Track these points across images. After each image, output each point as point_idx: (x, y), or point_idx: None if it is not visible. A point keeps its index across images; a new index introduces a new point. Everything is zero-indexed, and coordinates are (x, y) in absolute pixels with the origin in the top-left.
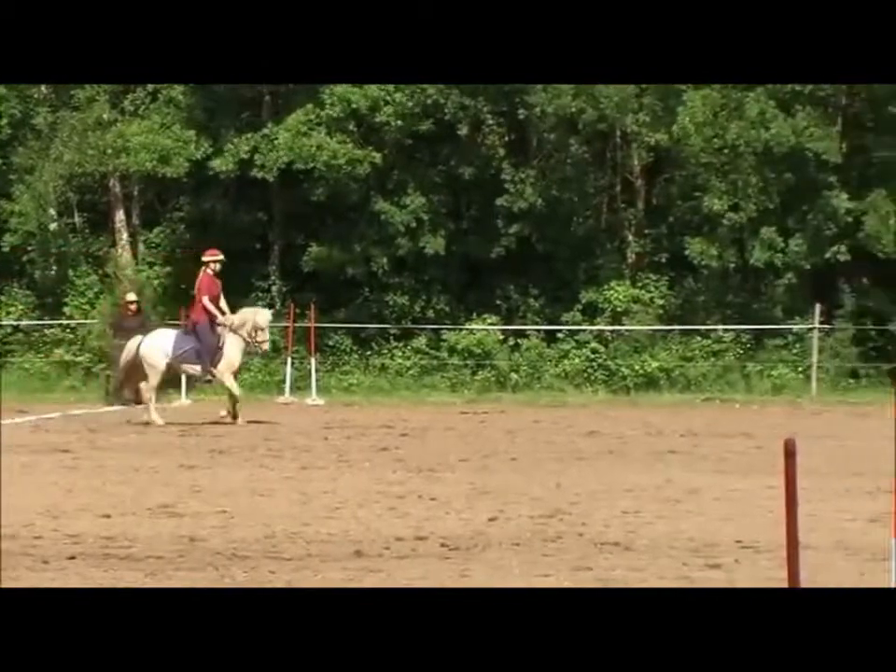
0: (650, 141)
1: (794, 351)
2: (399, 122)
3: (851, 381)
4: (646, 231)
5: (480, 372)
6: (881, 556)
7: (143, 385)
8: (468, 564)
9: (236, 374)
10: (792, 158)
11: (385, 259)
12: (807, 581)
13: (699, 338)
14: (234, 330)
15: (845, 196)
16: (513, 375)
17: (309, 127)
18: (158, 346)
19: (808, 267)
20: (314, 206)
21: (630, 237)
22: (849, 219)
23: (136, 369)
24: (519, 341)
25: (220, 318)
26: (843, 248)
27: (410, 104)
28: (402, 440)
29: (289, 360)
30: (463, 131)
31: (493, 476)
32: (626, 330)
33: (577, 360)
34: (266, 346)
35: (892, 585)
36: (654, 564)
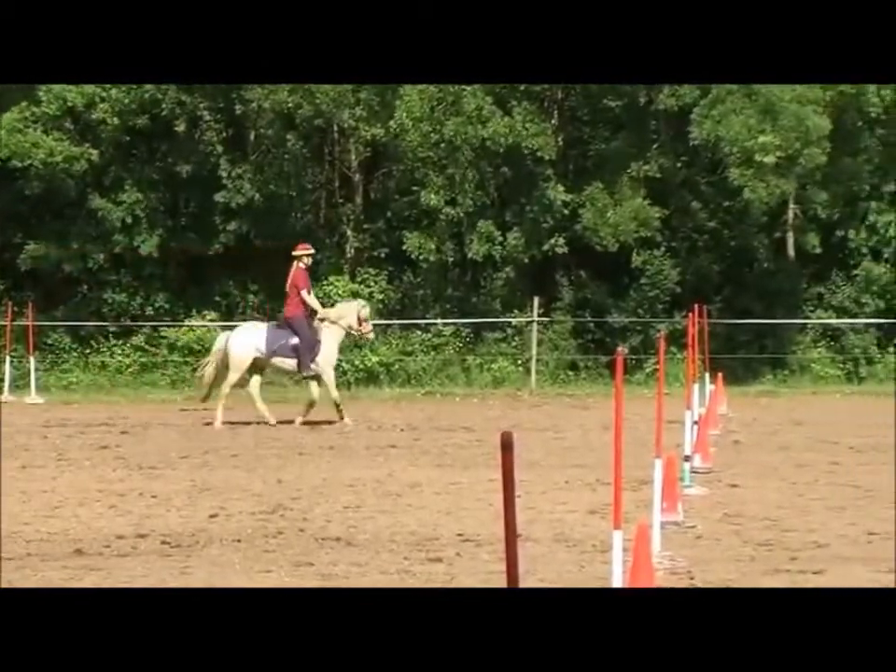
0: (367, 136)
1: (514, 344)
2: (116, 119)
3: (570, 373)
4: (364, 226)
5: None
6: (601, 548)
7: (225, 383)
8: (189, 561)
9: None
10: (509, 152)
11: (102, 257)
12: (528, 573)
13: (419, 332)
14: (333, 323)
15: (561, 189)
16: None
17: (24, 124)
18: (248, 341)
19: (526, 260)
20: (30, 204)
21: (349, 232)
22: (566, 212)
23: (226, 364)
24: None
25: (321, 312)
26: (560, 241)
27: (126, 100)
28: (123, 437)
29: (8, 359)
30: (180, 127)
31: (214, 473)
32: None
33: None
34: (371, 335)
35: (612, 581)
36: (376, 558)
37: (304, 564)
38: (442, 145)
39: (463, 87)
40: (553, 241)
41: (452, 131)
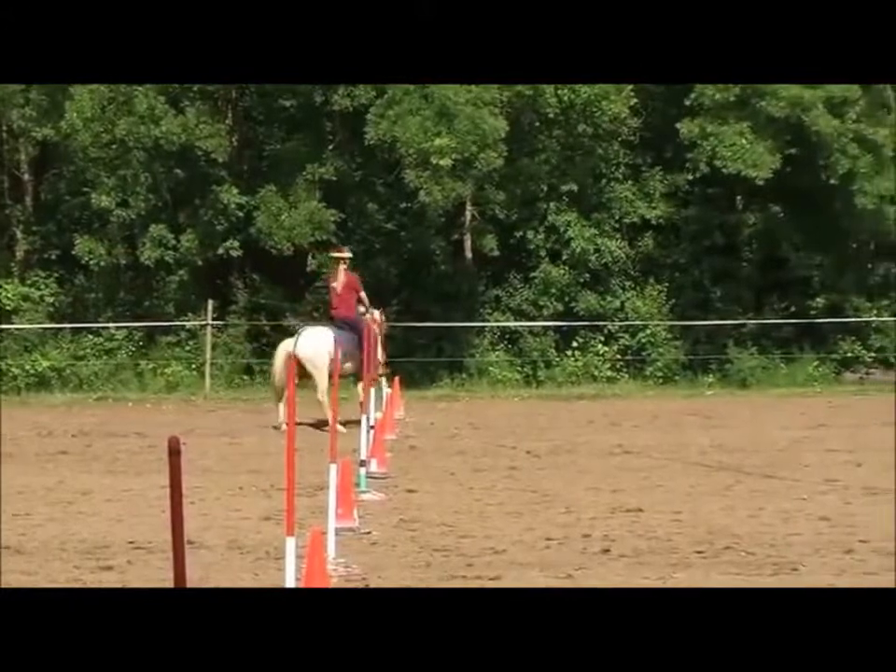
0: (37, 136)
1: (188, 348)
2: None
3: (246, 377)
4: (34, 228)
5: None
6: (275, 555)
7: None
8: None
9: None
10: (183, 153)
11: None
12: (200, 580)
13: (91, 336)
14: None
15: (235, 191)
16: None
17: None
18: (320, 346)
19: (200, 263)
20: None
21: (18, 234)
22: (241, 215)
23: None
24: None
25: (373, 314)
26: (235, 244)
27: None
28: None
29: None
30: None
31: None
32: (16, 329)
33: None
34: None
35: (288, 583)
36: (46, 567)
37: None
38: (114, 145)
39: (134, 87)
40: (227, 244)
41: (124, 130)
